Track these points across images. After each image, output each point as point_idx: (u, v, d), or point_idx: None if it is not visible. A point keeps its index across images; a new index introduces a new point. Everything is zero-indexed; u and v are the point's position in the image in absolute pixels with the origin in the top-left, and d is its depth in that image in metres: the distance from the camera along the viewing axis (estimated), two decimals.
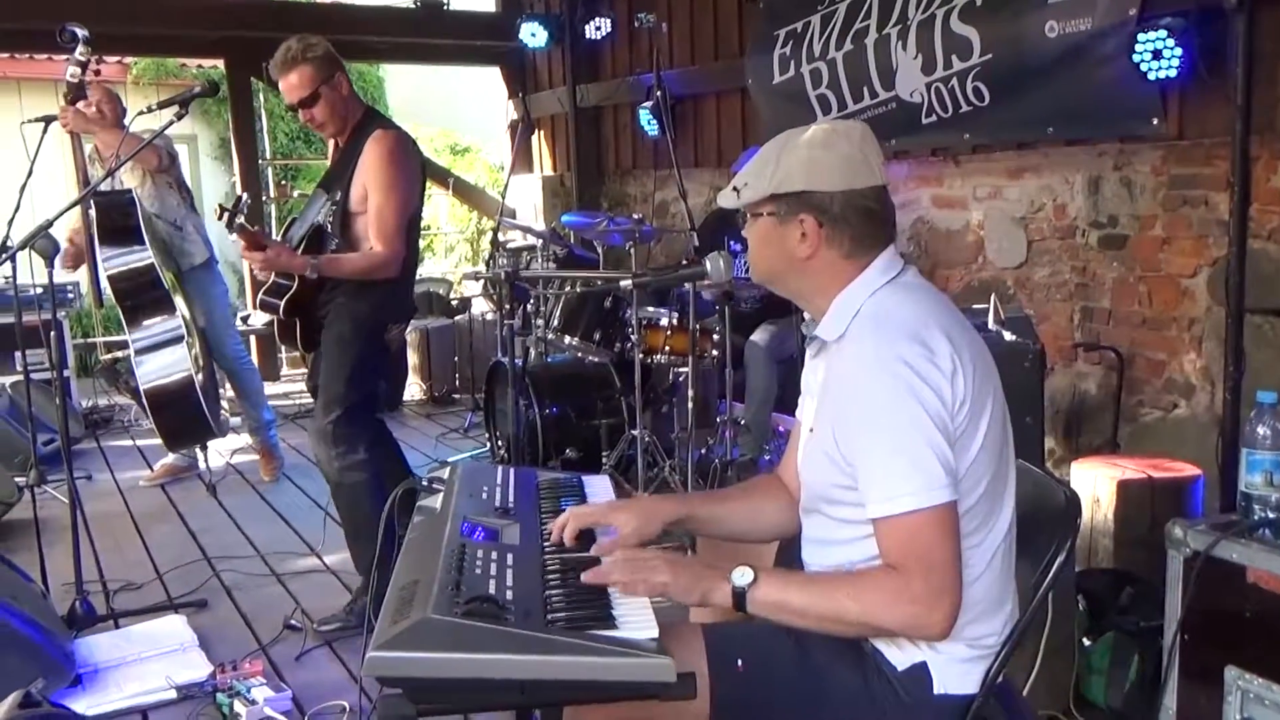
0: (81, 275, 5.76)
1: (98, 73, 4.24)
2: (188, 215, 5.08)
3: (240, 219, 3.20)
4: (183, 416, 4.66)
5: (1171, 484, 3.19)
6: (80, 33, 3.93)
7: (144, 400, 4.65)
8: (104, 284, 4.61)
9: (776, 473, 2.04)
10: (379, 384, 3.59)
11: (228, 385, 5.65)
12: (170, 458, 5.46)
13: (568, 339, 4.72)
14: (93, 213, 4.55)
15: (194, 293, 5.02)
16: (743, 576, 1.61)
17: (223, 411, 5.35)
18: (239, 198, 3.33)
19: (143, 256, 4.60)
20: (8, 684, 2.47)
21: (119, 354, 4.91)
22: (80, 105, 4.41)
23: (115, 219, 4.59)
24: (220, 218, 3.21)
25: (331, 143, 3.60)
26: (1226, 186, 3.70)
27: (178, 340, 4.65)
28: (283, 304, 3.41)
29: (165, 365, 4.62)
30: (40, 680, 2.77)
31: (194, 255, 5.05)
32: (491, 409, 5.30)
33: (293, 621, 3.51)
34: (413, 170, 3.42)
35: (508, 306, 3.34)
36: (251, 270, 4.80)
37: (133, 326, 4.66)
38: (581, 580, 1.60)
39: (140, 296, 4.64)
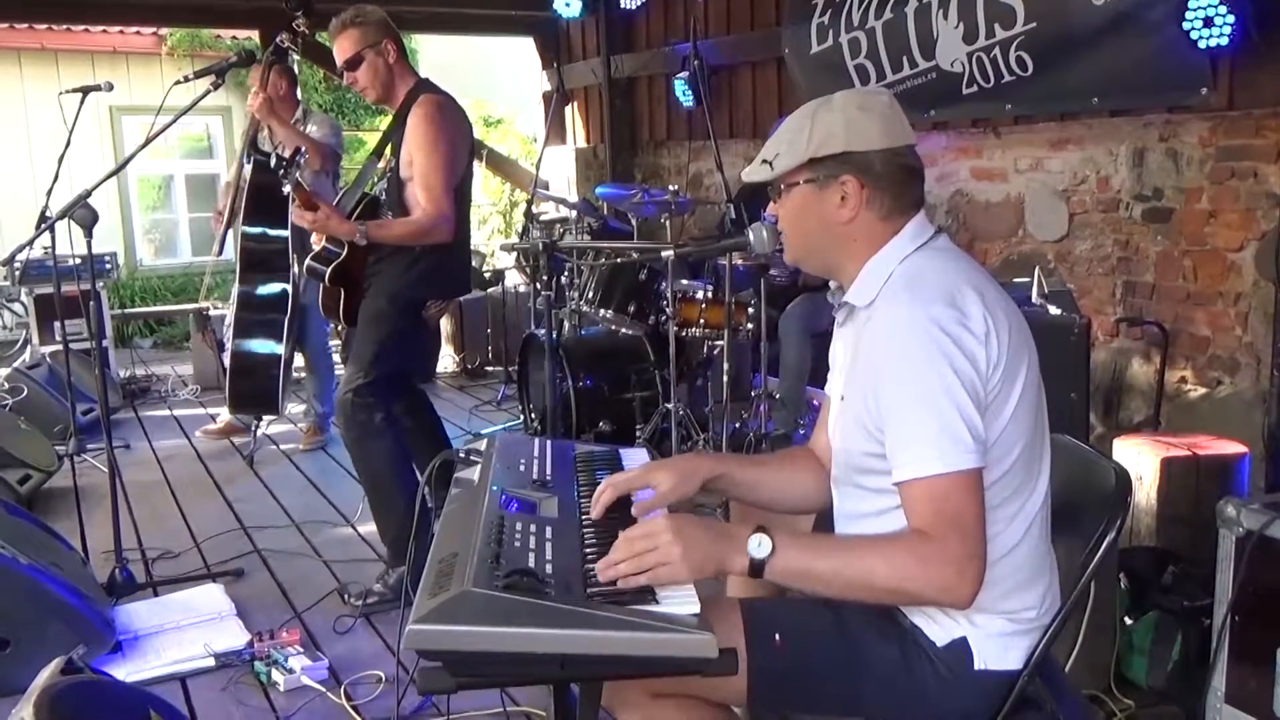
0: (117, 242, 5.81)
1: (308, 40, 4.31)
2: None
3: (296, 174, 3.21)
4: (257, 387, 4.76)
5: (1216, 462, 3.13)
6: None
7: (225, 359, 4.72)
8: (231, 241, 4.69)
9: (809, 445, 2.02)
10: (410, 360, 3.58)
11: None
12: (229, 416, 5.53)
13: (602, 311, 4.70)
14: (248, 169, 4.64)
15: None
16: (759, 547, 1.54)
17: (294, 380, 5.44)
18: (296, 150, 3.34)
19: (281, 231, 4.68)
20: (49, 650, 2.50)
21: (216, 305, 4.98)
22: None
23: (270, 183, 4.63)
24: (274, 167, 3.23)
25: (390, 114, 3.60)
26: (1277, 158, 3.61)
27: (282, 312, 4.70)
28: (329, 271, 3.41)
29: (261, 334, 4.69)
30: (81, 647, 2.80)
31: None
32: (525, 381, 5.29)
33: (345, 596, 3.50)
34: (456, 131, 3.40)
35: (544, 278, 3.32)
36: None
37: (245, 287, 4.76)
38: (596, 574, 1.52)
39: (264, 264, 4.74)
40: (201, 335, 5.97)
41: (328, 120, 5.18)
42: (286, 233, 4.67)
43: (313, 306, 5.15)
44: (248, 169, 4.65)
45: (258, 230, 4.68)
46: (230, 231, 4.91)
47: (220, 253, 4.90)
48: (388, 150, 3.48)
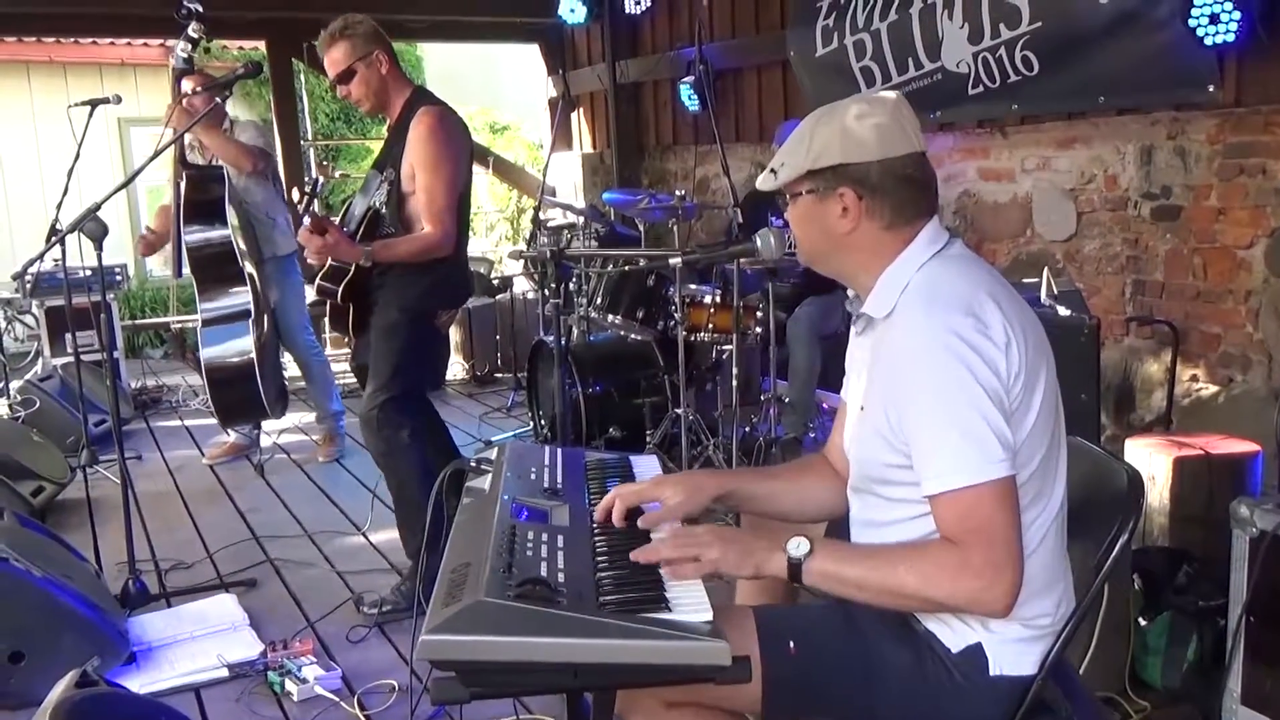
0: (127, 253, 5.82)
1: (208, 50, 4.30)
2: (280, 207, 5.13)
3: (314, 204, 3.23)
4: (239, 394, 4.73)
5: (1229, 460, 3.11)
6: (195, 7, 3.94)
7: (205, 374, 4.72)
8: (184, 255, 4.70)
9: (823, 453, 2.01)
10: (426, 370, 3.58)
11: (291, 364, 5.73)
12: (232, 436, 5.54)
13: (610, 317, 4.70)
14: (183, 183, 4.63)
15: (272, 279, 5.11)
16: (798, 547, 1.60)
17: (287, 388, 5.41)
18: (315, 180, 3.36)
19: (223, 232, 4.68)
20: (64, 662, 2.50)
21: (189, 323, 5.01)
22: (185, 84, 4.46)
23: (202, 192, 4.67)
24: (299, 201, 3.25)
25: (387, 124, 3.60)
26: None
27: (245, 318, 4.72)
28: (340, 289, 3.41)
29: (230, 342, 4.70)
30: (95, 659, 2.82)
31: (279, 246, 5.12)
32: (534, 388, 5.30)
33: (360, 606, 3.50)
34: (458, 146, 3.39)
35: (552, 285, 3.32)
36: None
37: (204, 299, 4.75)
38: (631, 559, 1.59)
39: (216, 271, 4.73)
40: (184, 360, 5.98)
41: (253, 125, 5.22)
42: (228, 232, 4.68)
43: (286, 308, 5.18)
44: (183, 185, 4.66)
45: (200, 240, 4.69)
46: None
47: (179, 274, 4.92)
48: (388, 163, 3.47)
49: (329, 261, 3.40)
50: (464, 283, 3.66)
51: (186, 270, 4.77)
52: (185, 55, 4.25)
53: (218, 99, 4.11)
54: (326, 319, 3.67)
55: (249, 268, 4.81)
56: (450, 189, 3.33)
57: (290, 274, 5.22)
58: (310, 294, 5.66)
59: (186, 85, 4.57)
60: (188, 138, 4.79)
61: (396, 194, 3.37)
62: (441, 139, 3.31)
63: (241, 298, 4.72)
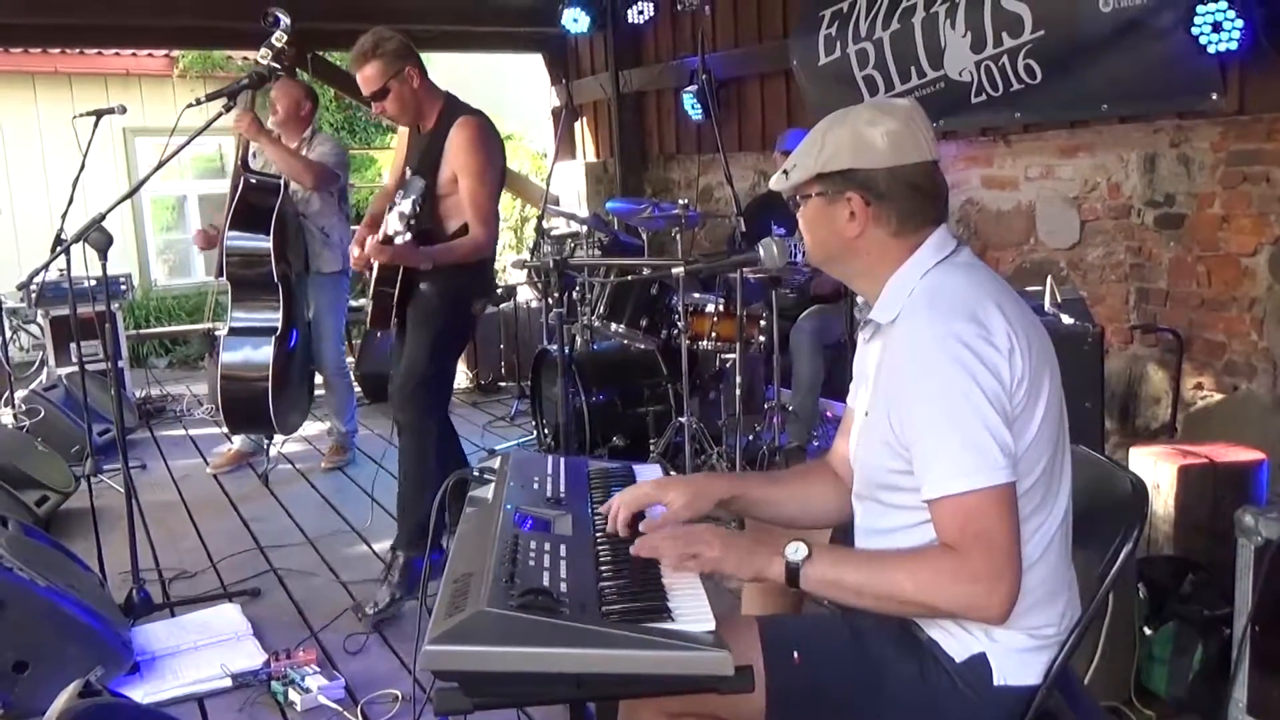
0: (131, 263, 5.77)
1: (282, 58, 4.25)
2: (337, 225, 5.13)
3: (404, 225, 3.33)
4: (250, 408, 4.75)
5: (1234, 469, 3.10)
6: (284, 19, 3.97)
7: (219, 379, 4.73)
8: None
9: (826, 459, 2.01)
10: (458, 358, 3.73)
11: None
12: (236, 444, 5.55)
13: (614, 326, 4.70)
14: (240, 187, 4.66)
15: (311, 293, 5.12)
16: (796, 552, 1.60)
17: (310, 407, 5.43)
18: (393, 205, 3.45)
19: (262, 244, 4.68)
20: (68, 672, 2.51)
21: (220, 327, 5.04)
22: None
23: (256, 199, 4.68)
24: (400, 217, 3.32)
25: (407, 130, 3.72)
26: None
27: (270, 333, 4.72)
28: (396, 290, 3.51)
29: (250, 355, 4.71)
30: (99, 668, 2.82)
31: (326, 262, 5.12)
32: (538, 397, 5.30)
33: (360, 615, 3.50)
34: (498, 152, 3.59)
35: (556, 294, 3.34)
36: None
37: (235, 307, 4.78)
38: (631, 552, 1.61)
39: (248, 282, 4.75)
40: (211, 357, 6.00)
41: (331, 140, 5.22)
42: (267, 246, 4.67)
43: (321, 324, 5.18)
44: (239, 188, 4.67)
45: (237, 247, 4.71)
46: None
47: (221, 275, 4.93)
48: (426, 167, 3.56)
49: (376, 266, 3.51)
50: (493, 275, 3.86)
51: None
52: (266, 63, 4.29)
53: (223, 108, 4.11)
54: (367, 321, 3.72)
55: (286, 278, 4.79)
56: (493, 194, 3.53)
57: (329, 291, 5.21)
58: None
59: (274, 93, 4.60)
60: (254, 145, 4.81)
61: (431, 195, 3.49)
62: (483, 147, 3.49)
63: (271, 313, 4.73)
